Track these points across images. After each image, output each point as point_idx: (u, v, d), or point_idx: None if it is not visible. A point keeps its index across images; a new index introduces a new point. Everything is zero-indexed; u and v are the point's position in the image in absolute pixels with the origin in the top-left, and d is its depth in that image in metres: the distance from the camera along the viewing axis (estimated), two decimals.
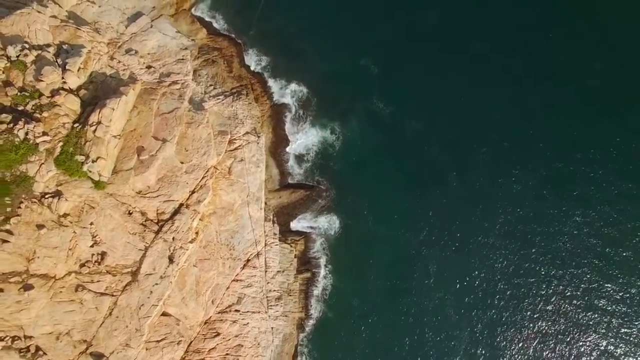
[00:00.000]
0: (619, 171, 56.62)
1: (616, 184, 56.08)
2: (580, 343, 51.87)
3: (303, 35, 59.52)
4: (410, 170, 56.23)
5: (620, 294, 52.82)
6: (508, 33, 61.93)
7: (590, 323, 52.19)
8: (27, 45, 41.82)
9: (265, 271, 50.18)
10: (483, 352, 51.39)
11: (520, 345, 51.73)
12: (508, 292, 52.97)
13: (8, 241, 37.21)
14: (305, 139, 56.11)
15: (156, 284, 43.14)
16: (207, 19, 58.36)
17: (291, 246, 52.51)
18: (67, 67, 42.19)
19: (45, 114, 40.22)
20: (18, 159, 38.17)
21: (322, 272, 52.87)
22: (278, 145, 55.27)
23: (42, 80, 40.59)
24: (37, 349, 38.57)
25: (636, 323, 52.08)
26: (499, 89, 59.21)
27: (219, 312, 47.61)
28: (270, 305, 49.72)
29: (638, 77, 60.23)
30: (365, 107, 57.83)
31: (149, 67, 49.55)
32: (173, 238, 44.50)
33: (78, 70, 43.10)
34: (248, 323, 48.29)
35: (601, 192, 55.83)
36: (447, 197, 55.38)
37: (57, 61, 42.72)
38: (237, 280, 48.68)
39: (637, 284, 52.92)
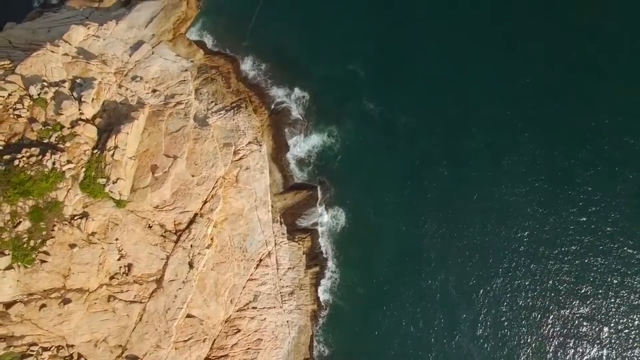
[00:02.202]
0: (609, 157, 58.58)
1: (609, 170, 58.08)
2: (581, 319, 53.73)
3: (293, 45, 61.56)
4: (404, 164, 58.35)
5: (614, 267, 55.00)
6: (488, 24, 64.09)
7: (588, 302, 54.10)
8: (45, 83, 43.61)
9: (277, 269, 52.10)
10: (484, 328, 53.53)
11: (517, 320, 53.82)
12: (505, 272, 55.03)
13: (46, 261, 39.00)
14: (303, 143, 58.25)
15: (179, 288, 44.72)
16: (202, 40, 60.57)
17: (299, 244, 54.36)
18: (82, 99, 44.14)
19: (67, 144, 42.13)
20: (48, 187, 39.93)
21: (330, 265, 54.77)
22: (279, 151, 57.26)
23: (62, 114, 42.60)
24: (79, 356, 40.23)
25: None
26: (482, 80, 61.42)
27: (237, 310, 49.46)
28: (285, 300, 51.70)
29: None
30: (358, 109, 59.94)
31: (154, 91, 51.35)
32: (191, 245, 46.22)
33: (92, 101, 44.90)
34: (265, 318, 50.24)
35: (593, 175, 57.79)
36: (440, 185, 57.49)
37: (73, 95, 44.64)
38: (252, 280, 50.59)
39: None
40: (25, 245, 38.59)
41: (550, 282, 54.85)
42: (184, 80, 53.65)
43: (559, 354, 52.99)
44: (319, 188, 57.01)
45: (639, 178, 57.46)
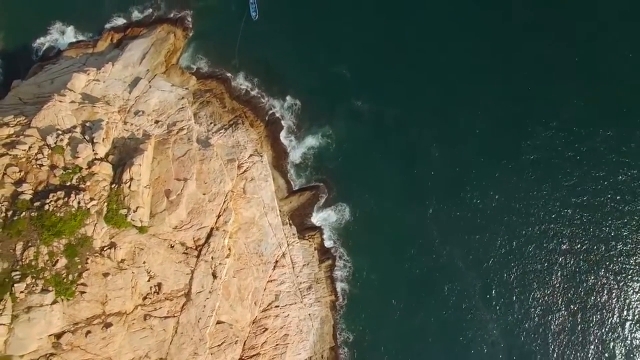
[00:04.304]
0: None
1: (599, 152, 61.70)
2: (580, 285, 57.52)
3: (278, 57, 64.06)
4: (397, 153, 61.27)
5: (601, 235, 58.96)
6: (464, 14, 67.09)
7: (593, 268, 58.13)
8: (59, 132, 46.34)
9: (293, 267, 54.82)
10: (494, 292, 57.32)
11: (525, 283, 57.45)
12: (505, 241, 58.75)
13: (85, 292, 42.06)
14: (300, 147, 60.84)
15: (207, 298, 47.31)
16: (194, 66, 62.58)
17: (309, 241, 57.23)
18: (94, 140, 46.79)
19: (88, 183, 44.89)
20: (77, 224, 42.81)
21: (341, 257, 57.52)
22: (279, 158, 59.99)
23: (78, 157, 45.31)
24: None
25: None
26: (462, 65, 64.79)
27: (262, 311, 52.23)
28: (304, 295, 54.47)
29: None
30: (347, 107, 62.65)
31: (156, 121, 53.63)
32: (212, 258, 48.69)
33: (103, 141, 47.40)
34: (288, 315, 53.02)
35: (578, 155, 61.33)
36: (432, 168, 60.48)
37: (85, 138, 47.22)
38: (271, 281, 53.25)
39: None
40: (65, 280, 41.74)
41: (553, 253, 58.51)
42: (183, 108, 55.96)
43: (571, 314, 57.00)
44: (320, 187, 59.64)
45: None
